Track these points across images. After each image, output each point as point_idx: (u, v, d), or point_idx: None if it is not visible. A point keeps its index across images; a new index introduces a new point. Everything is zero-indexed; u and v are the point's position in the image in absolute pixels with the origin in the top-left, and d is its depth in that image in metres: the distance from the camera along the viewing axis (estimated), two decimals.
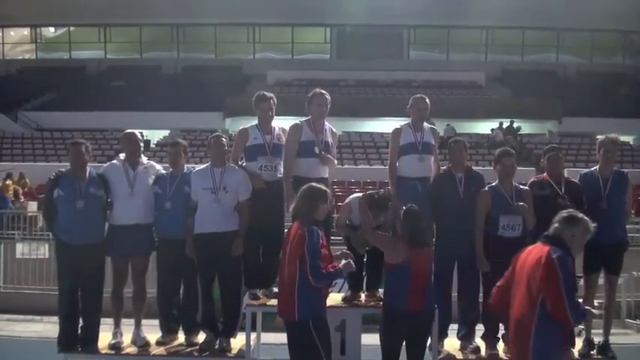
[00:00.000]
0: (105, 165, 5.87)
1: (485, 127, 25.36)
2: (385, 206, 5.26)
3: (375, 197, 5.32)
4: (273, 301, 5.21)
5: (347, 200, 5.67)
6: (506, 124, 24.38)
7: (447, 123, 23.13)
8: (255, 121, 5.75)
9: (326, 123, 5.74)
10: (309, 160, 5.51)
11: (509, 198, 5.41)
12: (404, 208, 4.81)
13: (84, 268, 5.37)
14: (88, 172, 5.54)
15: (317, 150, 5.53)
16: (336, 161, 5.79)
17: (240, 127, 5.82)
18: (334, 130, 5.84)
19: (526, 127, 25.45)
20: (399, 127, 5.82)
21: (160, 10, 30.26)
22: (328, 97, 5.67)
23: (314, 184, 4.61)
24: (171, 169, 5.78)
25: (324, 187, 4.60)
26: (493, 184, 5.56)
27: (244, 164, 5.67)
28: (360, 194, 5.58)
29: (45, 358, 5.80)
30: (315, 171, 5.49)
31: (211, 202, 5.40)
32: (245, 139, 5.64)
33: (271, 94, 5.75)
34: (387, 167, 5.91)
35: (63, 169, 5.60)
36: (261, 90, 6.02)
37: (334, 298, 5.64)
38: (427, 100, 5.80)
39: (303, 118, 5.73)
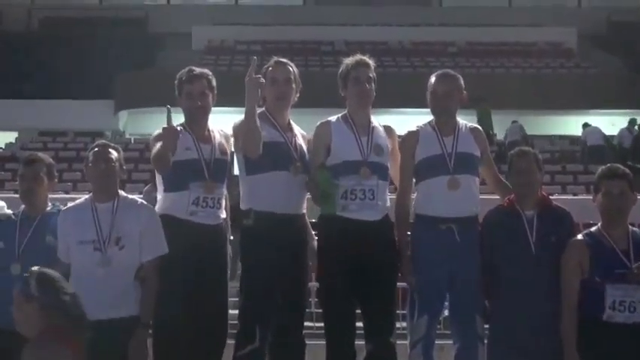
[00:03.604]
0: None
1: (577, 123, 25.63)
2: None
3: None
4: None
5: None
6: (619, 121, 24.62)
7: (512, 119, 23.32)
8: (178, 119, 5.75)
9: (290, 122, 5.82)
10: (277, 175, 5.53)
11: (623, 253, 5.44)
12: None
13: None
14: None
15: (294, 155, 5.60)
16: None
17: (157, 131, 5.77)
18: (303, 132, 5.89)
19: None
20: (414, 129, 5.90)
21: None
22: (292, 68, 5.75)
23: None
24: (23, 206, 5.82)
25: None
26: (592, 229, 5.61)
27: (159, 195, 5.74)
28: None
29: None
30: (290, 199, 5.55)
31: (94, 265, 5.41)
32: None
33: (206, 71, 5.84)
34: (394, 196, 5.94)
35: None
36: (182, 60, 6.07)
37: None
38: (458, 80, 5.86)
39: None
